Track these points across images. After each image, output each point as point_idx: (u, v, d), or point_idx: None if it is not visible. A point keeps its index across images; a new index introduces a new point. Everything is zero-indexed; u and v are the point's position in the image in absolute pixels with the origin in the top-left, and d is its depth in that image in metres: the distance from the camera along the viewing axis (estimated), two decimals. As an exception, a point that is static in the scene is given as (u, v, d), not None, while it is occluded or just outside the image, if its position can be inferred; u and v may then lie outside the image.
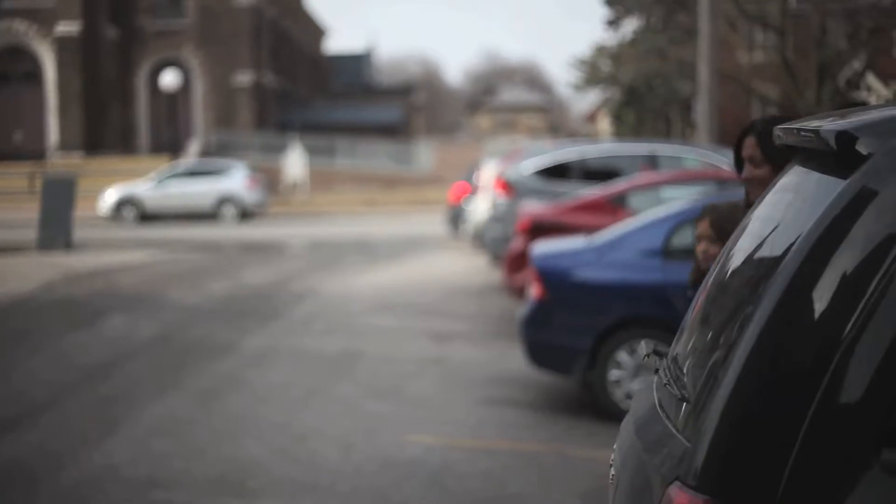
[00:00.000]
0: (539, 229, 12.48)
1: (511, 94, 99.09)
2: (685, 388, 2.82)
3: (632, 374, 8.88)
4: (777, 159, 4.20)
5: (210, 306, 15.59)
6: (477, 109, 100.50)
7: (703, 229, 4.99)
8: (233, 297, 16.63)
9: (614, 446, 3.34)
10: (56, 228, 24.89)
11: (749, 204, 4.47)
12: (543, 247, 9.90)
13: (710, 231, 4.94)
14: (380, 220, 35.61)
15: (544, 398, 9.84)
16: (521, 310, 9.73)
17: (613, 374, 8.92)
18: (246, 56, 53.93)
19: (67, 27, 52.05)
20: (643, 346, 3.61)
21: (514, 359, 11.30)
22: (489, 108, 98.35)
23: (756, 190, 4.32)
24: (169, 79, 46.10)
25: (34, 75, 53.74)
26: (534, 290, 9.33)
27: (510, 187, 15.85)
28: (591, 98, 75.09)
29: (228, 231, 31.68)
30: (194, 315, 14.74)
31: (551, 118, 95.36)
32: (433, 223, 29.59)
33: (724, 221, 4.80)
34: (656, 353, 3.43)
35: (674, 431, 2.72)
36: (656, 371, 3.22)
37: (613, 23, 45.06)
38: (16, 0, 52.99)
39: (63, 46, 52.24)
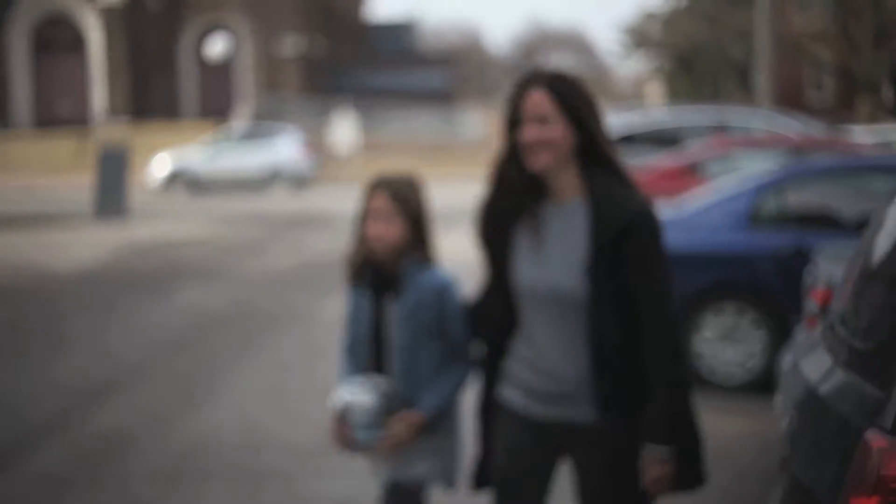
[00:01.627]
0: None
1: (555, 61, 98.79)
2: (869, 342, 2.89)
3: (718, 340, 8.90)
4: (573, 115, 3.57)
5: (278, 276, 15.71)
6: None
7: (380, 205, 4.09)
8: (299, 266, 16.75)
9: (776, 397, 3.45)
10: (112, 198, 25.16)
11: (521, 171, 3.65)
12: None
13: (390, 207, 4.07)
14: (433, 187, 35.56)
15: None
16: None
17: (700, 340, 8.93)
18: (292, 24, 54.03)
19: (112, -6, 52.44)
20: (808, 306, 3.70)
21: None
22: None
23: (542, 155, 3.57)
24: (217, 47, 46.28)
25: (77, 44, 54.16)
26: (619, 258, 9.35)
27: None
28: (635, 64, 74.86)
29: (283, 200, 31.80)
30: (265, 285, 14.86)
31: (599, 85, 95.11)
32: (488, 190, 29.64)
33: (406, 195, 4.10)
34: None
35: (862, 381, 2.79)
36: (831, 327, 3.29)
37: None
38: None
39: (108, 14, 52.55)
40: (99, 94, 53.38)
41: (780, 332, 8.65)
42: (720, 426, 7.90)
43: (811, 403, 3.16)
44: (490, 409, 3.83)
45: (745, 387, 8.81)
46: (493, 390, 3.82)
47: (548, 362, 3.62)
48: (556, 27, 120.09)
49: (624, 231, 3.49)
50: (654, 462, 3.53)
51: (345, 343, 4.28)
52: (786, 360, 4.39)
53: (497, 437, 3.80)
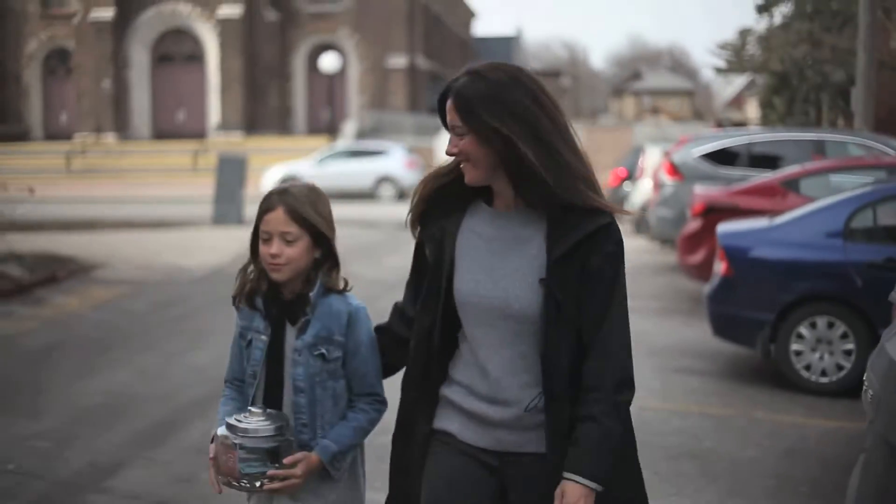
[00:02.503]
0: (713, 211, 13.11)
1: (655, 79, 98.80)
2: None
3: (812, 347, 9.54)
4: (479, 127, 3.06)
5: (394, 279, 16.50)
6: (621, 93, 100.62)
7: (277, 222, 3.46)
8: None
9: (864, 377, 4.17)
10: (229, 204, 26.22)
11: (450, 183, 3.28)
12: (729, 226, 10.54)
13: (288, 225, 3.45)
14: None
15: (725, 368, 10.51)
16: (708, 286, 10.43)
17: (795, 346, 9.56)
18: (400, 39, 55.05)
19: (229, 10, 53.83)
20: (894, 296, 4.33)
21: (690, 332, 12.05)
22: (632, 91, 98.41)
23: (467, 169, 3.15)
24: (327, 61, 47.41)
25: (196, 57, 55.78)
26: (720, 267, 10.02)
27: (678, 171, 16.48)
28: (738, 83, 74.79)
29: (389, 209, 32.72)
30: (382, 286, 15.63)
31: (696, 103, 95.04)
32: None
33: (303, 208, 3.47)
34: None
35: None
36: None
37: (764, 8, 44.99)
38: (179, -16, 55.20)
39: (225, 28, 54.04)
40: (214, 106, 54.85)
41: (868, 340, 9.30)
42: (811, 424, 8.57)
43: (894, 375, 3.85)
44: (410, 441, 3.35)
45: (835, 390, 9.41)
46: (415, 420, 3.33)
47: (495, 386, 3.16)
48: (657, 45, 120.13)
49: (585, 240, 3.06)
50: (575, 495, 3.03)
51: (228, 375, 3.72)
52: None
53: (429, 473, 3.30)
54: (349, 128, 50.48)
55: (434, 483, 3.26)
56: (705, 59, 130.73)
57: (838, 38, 36.19)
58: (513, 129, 3.01)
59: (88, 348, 11.48)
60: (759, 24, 46.81)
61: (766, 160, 16.01)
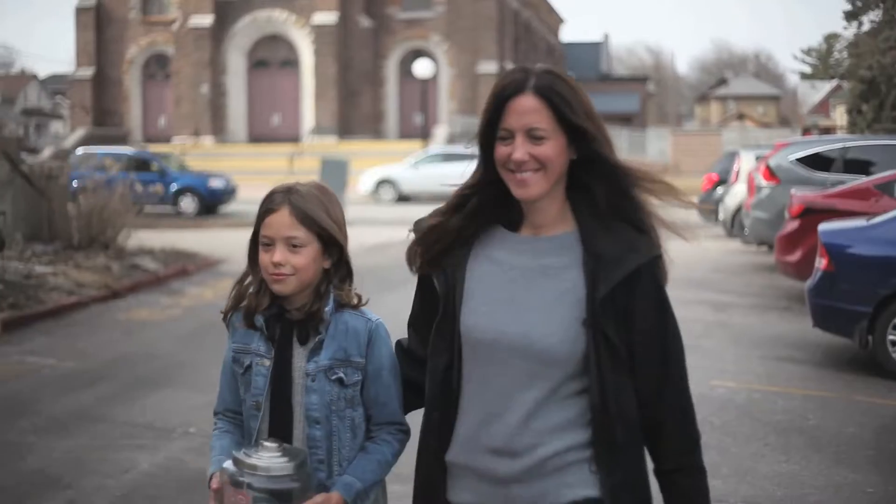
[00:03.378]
0: (810, 212, 13.83)
1: (740, 85, 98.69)
2: None
3: (905, 336, 10.28)
4: (573, 124, 2.68)
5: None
6: (706, 99, 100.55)
7: (281, 226, 2.96)
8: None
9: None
10: (332, 205, 27.23)
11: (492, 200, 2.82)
12: (829, 225, 11.27)
13: (294, 228, 2.95)
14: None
15: (823, 357, 11.26)
16: (809, 280, 11.19)
17: (891, 336, 10.26)
18: (490, 46, 55.78)
19: (324, 16, 55.02)
20: None
21: (789, 325, 12.82)
22: (717, 97, 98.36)
23: (533, 183, 2.68)
24: (421, 67, 48.32)
25: (291, 62, 57.04)
26: (821, 263, 10.78)
27: (774, 175, 17.20)
28: (824, 89, 74.63)
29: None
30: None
31: (782, 109, 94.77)
32: (680, 210, 30.93)
33: (313, 209, 2.97)
34: None
35: None
36: None
37: (853, 15, 45.21)
38: (276, -9, 56.58)
39: (320, 35, 55.25)
40: (309, 111, 56.09)
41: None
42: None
43: None
44: None
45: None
46: (439, 485, 2.85)
47: (504, 434, 2.70)
48: (742, 51, 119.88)
49: (628, 277, 2.67)
50: None
51: (218, 406, 3.18)
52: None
53: None
54: (440, 132, 51.31)
55: None
56: (791, 64, 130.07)
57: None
58: (598, 133, 2.72)
59: (233, 333, 12.49)
60: (847, 31, 46.94)
61: (858, 165, 16.64)
